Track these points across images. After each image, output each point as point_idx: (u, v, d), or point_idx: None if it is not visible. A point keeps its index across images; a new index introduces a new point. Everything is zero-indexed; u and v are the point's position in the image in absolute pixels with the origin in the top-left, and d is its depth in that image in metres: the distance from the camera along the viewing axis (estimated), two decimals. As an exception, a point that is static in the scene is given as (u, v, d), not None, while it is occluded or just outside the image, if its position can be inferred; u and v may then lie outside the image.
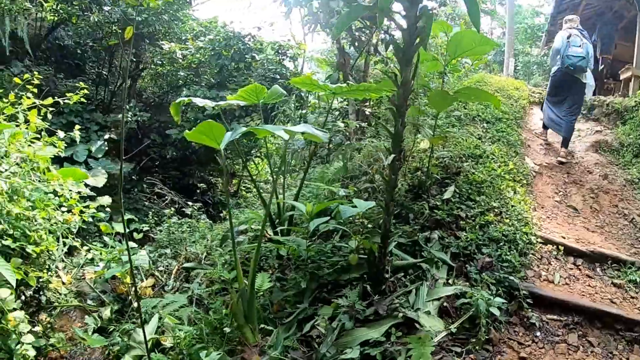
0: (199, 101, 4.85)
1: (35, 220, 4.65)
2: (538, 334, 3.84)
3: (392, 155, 3.77)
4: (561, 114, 8.10)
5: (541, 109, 9.22)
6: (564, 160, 7.73)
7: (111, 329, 5.11)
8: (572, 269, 4.77)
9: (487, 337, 3.58)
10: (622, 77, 11.46)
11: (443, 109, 5.41)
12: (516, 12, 21.17)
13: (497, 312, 3.64)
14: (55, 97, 5.45)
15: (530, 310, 3.98)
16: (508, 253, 4.45)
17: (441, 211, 4.89)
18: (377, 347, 3.44)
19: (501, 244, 4.58)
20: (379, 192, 5.42)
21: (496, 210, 5.09)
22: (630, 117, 9.14)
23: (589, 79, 8.01)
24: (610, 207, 6.31)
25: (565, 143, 7.99)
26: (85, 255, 6.07)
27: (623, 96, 10.73)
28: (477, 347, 3.50)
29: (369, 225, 4.69)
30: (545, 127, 8.87)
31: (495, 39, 23.69)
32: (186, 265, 6.07)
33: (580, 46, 7.65)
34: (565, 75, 7.87)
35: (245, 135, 4.02)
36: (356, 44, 8.14)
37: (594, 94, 10.97)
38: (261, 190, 5.70)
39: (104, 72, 12.78)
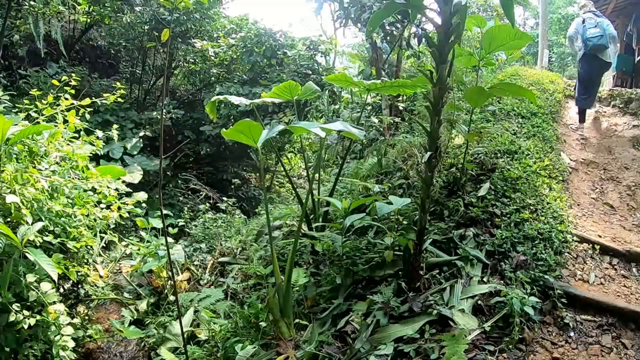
0: (235, 99, 4.92)
1: (75, 217, 4.76)
2: (572, 334, 3.78)
3: (429, 153, 3.77)
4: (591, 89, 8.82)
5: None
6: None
7: (147, 322, 5.25)
8: (607, 268, 4.67)
9: (520, 336, 3.56)
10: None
11: (479, 104, 5.35)
12: (549, 2, 20.75)
13: (531, 312, 3.62)
14: (92, 97, 5.57)
15: (564, 310, 3.92)
16: (543, 251, 4.38)
17: (476, 208, 4.86)
18: (411, 344, 3.48)
19: (536, 242, 4.51)
20: (414, 188, 5.41)
21: (531, 207, 5.01)
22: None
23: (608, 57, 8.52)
24: (648, 205, 6.15)
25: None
26: (123, 250, 6.22)
27: (662, 89, 10.44)
28: (510, 346, 3.49)
29: (404, 222, 4.70)
30: (581, 120, 8.74)
31: (528, 30, 23.39)
32: (221, 259, 6.18)
33: (595, 26, 8.19)
34: (592, 56, 8.39)
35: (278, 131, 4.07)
36: (388, 38, 8.09)
37: (630, 87, 10.75)
38: (295, 186, 5.73)
39: (138, 71, 13.00)
